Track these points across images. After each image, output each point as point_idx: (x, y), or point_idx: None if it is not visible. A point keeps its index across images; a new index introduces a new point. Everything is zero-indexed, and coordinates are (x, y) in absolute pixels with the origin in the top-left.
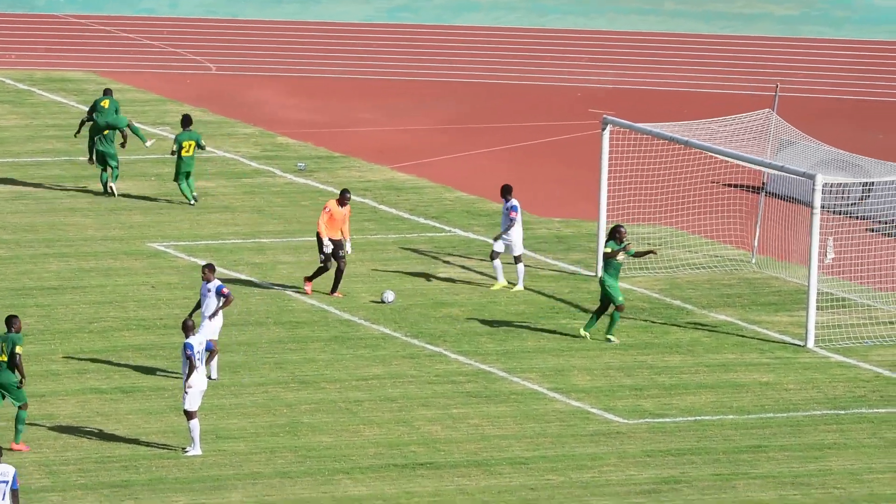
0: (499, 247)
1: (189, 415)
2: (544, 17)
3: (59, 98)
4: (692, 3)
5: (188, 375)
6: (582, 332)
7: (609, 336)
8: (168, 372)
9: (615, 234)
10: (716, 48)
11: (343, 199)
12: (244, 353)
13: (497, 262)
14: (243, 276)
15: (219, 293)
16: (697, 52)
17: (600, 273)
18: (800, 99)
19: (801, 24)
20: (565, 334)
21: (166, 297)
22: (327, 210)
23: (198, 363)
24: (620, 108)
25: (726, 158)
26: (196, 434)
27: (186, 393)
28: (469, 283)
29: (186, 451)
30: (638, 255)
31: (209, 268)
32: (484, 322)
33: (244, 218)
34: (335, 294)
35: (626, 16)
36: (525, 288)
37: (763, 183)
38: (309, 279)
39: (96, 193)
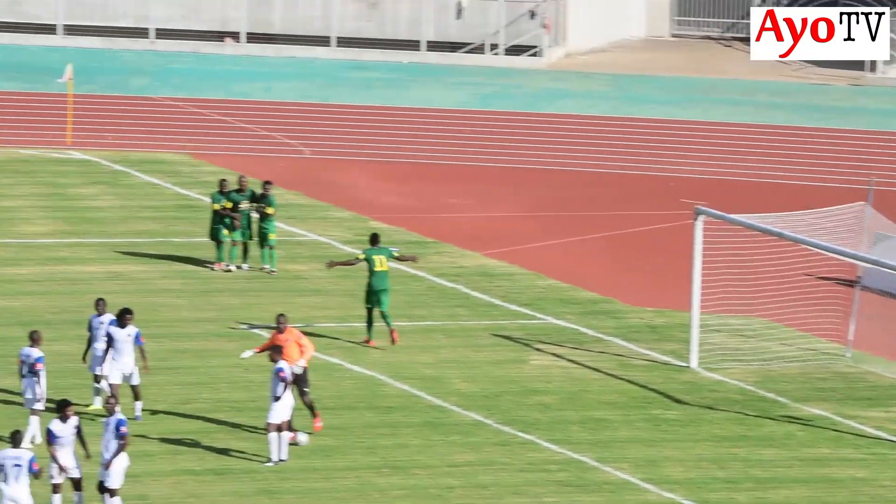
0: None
1: None
2: (637, 107)
3: (154, 179)
4: (784, 95)
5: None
6: None
7: None
8: (260, 456)
9: None
10: (808, 140)
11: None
12: (336, 438)
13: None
14: (335, 360)
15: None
16: (789, 143)
17: None
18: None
19: (891, 118)
20: (658, 424)
21: (258, 380)
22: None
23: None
24: (712, 199)
25: (820, 251)
26: None
27: None
28: (562, 370)
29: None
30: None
31: (102, 301)
32: (576, 410)
33: (336, 301)
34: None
35: (719, 107)
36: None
37: (858, 276)
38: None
39: (187, 275)
